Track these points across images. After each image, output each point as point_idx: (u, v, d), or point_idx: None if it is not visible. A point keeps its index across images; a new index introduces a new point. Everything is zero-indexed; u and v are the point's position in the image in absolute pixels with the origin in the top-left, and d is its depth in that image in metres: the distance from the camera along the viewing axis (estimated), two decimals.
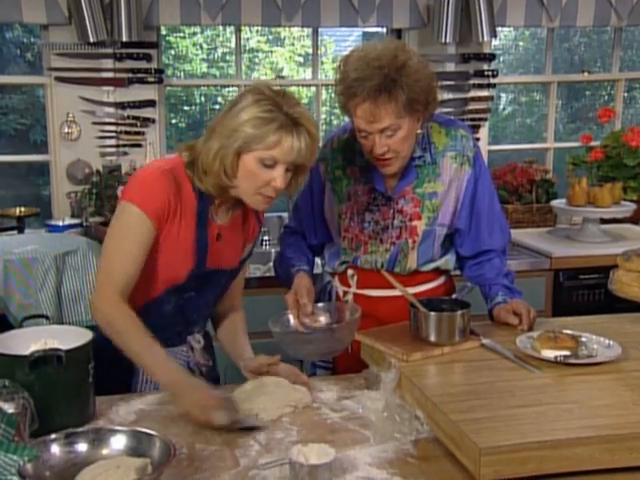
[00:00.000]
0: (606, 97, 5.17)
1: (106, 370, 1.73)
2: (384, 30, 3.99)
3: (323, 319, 1.98)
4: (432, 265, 2.14)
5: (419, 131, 1.98)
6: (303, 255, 2.18)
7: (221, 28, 4.34)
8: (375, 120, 1.88)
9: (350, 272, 2.15)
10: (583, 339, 1.84)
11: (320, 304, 2.02)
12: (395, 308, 2.03)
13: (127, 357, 1.72)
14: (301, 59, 4.95)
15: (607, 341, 1.83)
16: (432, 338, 1.83)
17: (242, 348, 1.97)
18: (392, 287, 2.02)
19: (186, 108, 5.10)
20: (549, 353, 1.76)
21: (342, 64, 1.94)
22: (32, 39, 4.45)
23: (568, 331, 1.86)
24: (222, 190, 1.77)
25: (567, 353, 1.76)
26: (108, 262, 1.76)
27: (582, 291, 3.34)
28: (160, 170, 1.76)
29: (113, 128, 3.54)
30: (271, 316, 1.93)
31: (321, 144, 2.06)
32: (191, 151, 1.80)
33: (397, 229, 2.08)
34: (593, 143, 3.95)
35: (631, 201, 3.70)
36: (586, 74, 4.40)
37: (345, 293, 2.17)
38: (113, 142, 3.54)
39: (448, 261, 2.17)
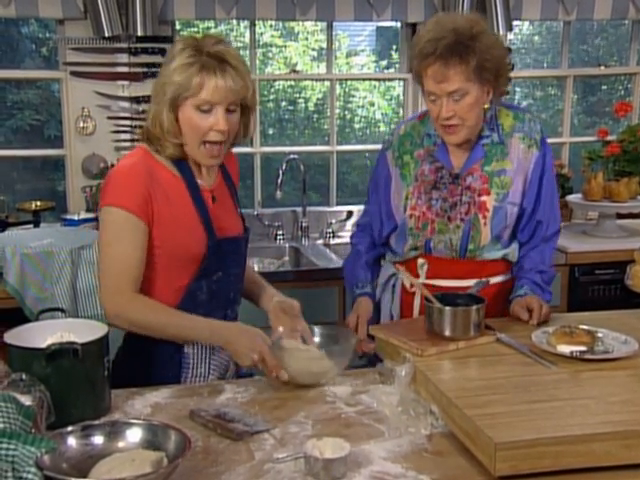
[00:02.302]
0: (622, 91, 5.13)
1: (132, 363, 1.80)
2: (398, 24, 3.98)
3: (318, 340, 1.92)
4: (501, 252, 2.13)
5: (487, 105, 2.01)
6: (368, 272, 2.22)
7: (235, 22, 4.33)
8: (444, 80, 1.91)
9: (420, 261, 2.14)
10: (599, 334, 1.83)
11: (317, 328, 1.96)
12: None
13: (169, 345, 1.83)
14: (315, 54, 4.94)
15: (624, 337, 1.82)
16: (447, 333, 1.83)
17: (266, 291, 2.03)
18: (465, 277, 2.06)
19: None
20: (565, 348, 1.75)
21: (418, 32, 2.00)
22: (47, 34, 4.46)
23: (584, 326, 1.85)
24: (182, 149, 1.80)
25: (583, 348, 1.75)
26: (109, 270, 1.77)
27: (598, 286, 3.33)
28: (127, 167, 1.79)
29: (128, 122, 3.55)
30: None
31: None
32: (144, 130, 1.84)
33: (465, 205, 2.08)
34: (609, 137, 3.91)
35: None
36: (602, 68, 4.37)
37: (412, 284, 2.17)
38: (128, 136, 3.55)
39: (514, 250, 2.16)
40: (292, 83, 4.91)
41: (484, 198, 2.07)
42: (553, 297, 2.19)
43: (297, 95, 5.01)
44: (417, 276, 2.13)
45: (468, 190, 2.08)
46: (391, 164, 2.16)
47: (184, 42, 1.75)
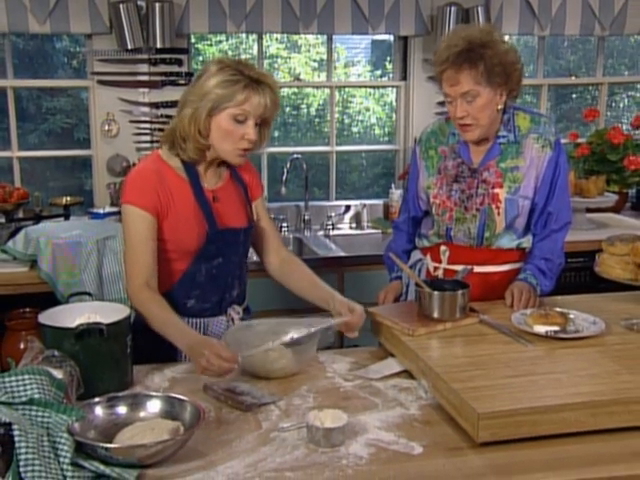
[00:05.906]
0: (591, 99, 5.11)
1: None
2: (391, 37, 3.96)
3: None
4: (516, 242, 2.11)
5: (500, 106, 1.99)
6: (404, 259, 2.24)
7: (244, 36, 4.31)
8: (455, 83, 1.93)
9: (443, 248, 2.15)
10: (571, 316, 1.83)
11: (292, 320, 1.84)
12: (483, 283, 2.05)
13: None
14: (316, 64, 4.92)
15: (592, 318, 1.82)
16: (435, 315, 1.82)
17: (325, 291, 1.96)
18: (483, 263, 2.07)
19: None
20: (540, 328, 1.75)
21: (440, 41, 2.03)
22: (77, 48, 4.45)
23: (558, 309, 1.85)
24: (201, 152, 1.85)
25: (557, 328, 1.75)
26: (128, 257, 1.82)
27: (570, 273, 3.30)
28: (141, 170, 1.86)
29: (148, 126, 3.53)
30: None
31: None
32: (168, 133, 1.87)
33: (480, 196, 2.08)
34: (579, 140, 3.91)
35: (613, 192, 3.67)
36: (573, 78, 4.38)
37: (436, 269, 2.17)
38: (148, 138, 3.54)
39: (529, 240, 2.14)
40: (296, 90, 4.90)
41: (497, 190, 2.06)
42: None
43: (300, 101, 4.99)
44: (440, 261, 2.15)
45: (484, 183, 2.07)
46: (419, 157, 2.19)
47: (223, 62, 1.80)
